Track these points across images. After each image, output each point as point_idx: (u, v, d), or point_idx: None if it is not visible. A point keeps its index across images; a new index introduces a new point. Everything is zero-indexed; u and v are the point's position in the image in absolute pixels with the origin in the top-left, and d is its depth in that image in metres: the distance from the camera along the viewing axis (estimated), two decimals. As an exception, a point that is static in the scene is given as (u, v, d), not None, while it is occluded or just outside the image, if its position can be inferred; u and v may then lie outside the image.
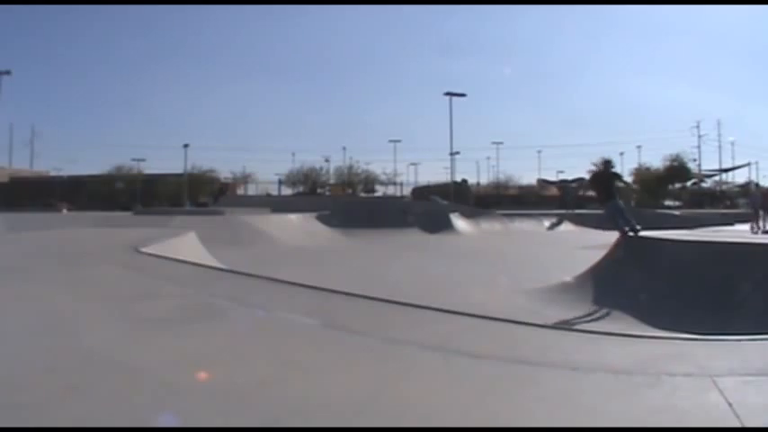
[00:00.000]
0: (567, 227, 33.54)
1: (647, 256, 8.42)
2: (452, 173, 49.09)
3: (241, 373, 2.89)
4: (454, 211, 31.85)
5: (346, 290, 5.39)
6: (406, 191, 56.64)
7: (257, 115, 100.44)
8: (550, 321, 4.53)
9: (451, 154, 47.10)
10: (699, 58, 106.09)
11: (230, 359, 3.18)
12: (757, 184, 46.06)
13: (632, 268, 8.40)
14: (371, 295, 5.11)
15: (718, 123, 63.79)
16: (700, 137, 62.62)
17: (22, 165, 63.30)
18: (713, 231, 11.28)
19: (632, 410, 2.43)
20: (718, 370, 2.87)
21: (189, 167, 54.54)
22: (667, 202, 57.57)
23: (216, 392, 2.63)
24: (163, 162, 75.00)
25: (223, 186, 58.08)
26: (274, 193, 57.22)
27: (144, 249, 8.44)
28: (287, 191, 59.37)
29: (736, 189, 62.59)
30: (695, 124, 62.99)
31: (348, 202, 38.17)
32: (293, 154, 63.10)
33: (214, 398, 2.55)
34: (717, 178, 65.38)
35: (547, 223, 34.36)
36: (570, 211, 37.22)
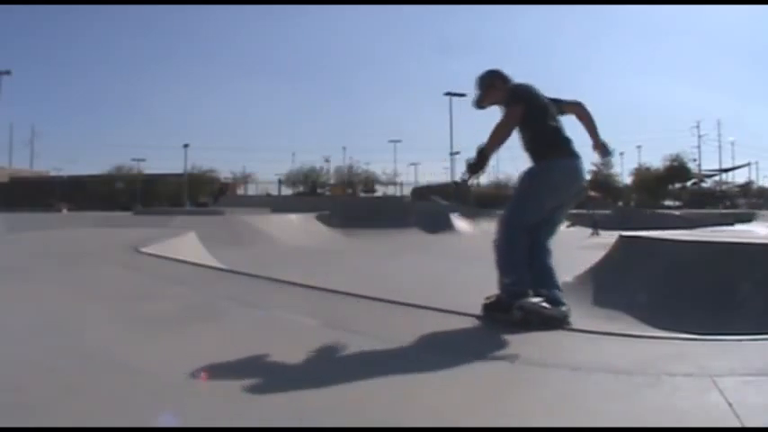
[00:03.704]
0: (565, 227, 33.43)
1: (647, 256, 8.41)
2: (452, 173, 49.27)
3: (241, 372, 2.89)
4: (454, 211, 31.85)
5: (346, 290, 5.38)
6: (406, 191, 56.68)
7: (257, 115, 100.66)
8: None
9: (451, 154, 47.29)
10: (699, 58, 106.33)
11: (230, 359, 3.17)
12: None
13: (632, 268, 8.38)
14: (371, 295, 5.11)
15: (718, 123, 63.86)
16: (700, 137, 62.70)
17: (22, 165, 63.40)
18: (713, 231, 11.26)
19: (632, 410, 2.42)
20: (718, 370, 2.86)
21: (189, 167, 54.66)
22: (667, 202, 57.57)
23: (216, 392, 2.63)
24: (163, 162, 75.22)
25: (223, 186, 58.15)
26: (274, 193, 57.26)
27: (144, 249, 8.44)
28: (287, 191, 59.46)
29: (736, 189, 62.51)
30: (695, 124, 63.08)
31: (348, 202, 38.17)
32: (293, 154, 63.37)
33: (214, 398, 2.55)
34: (717, 178, 65.37)
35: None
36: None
